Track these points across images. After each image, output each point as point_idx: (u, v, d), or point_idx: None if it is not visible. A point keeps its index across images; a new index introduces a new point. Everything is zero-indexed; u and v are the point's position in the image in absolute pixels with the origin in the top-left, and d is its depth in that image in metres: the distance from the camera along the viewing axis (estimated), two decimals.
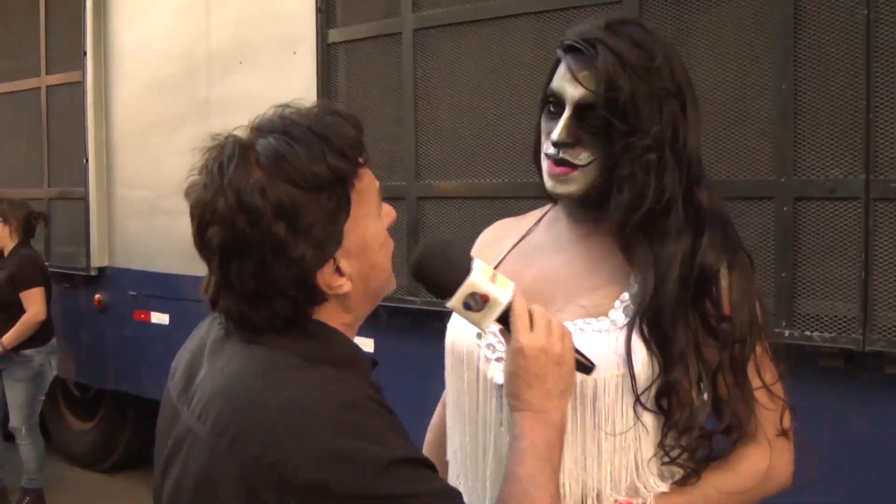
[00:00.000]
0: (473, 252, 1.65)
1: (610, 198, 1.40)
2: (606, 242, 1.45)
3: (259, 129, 1.18)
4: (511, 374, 1.28)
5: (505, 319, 1.29)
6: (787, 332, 2.53)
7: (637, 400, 1.36)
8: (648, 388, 1.36)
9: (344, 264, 1.18)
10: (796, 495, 2.61)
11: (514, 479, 1.23)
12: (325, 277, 1.17)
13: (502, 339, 1.38)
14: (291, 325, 1.18)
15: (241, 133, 1.18)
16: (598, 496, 1.39)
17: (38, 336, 5.09)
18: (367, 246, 1.21)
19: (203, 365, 1.24)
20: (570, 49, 1.41)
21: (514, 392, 1.28)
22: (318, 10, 3.83)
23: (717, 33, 2.68)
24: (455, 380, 1.53)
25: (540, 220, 1.62)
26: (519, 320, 1.27)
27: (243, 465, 1.09)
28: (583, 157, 1.39)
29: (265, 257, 1.12)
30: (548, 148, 1.42)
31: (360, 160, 1.19)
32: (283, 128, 1.16)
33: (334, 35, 3.81)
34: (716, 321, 1.39)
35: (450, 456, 1.59)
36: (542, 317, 1.28)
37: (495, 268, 1.42)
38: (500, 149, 3.24)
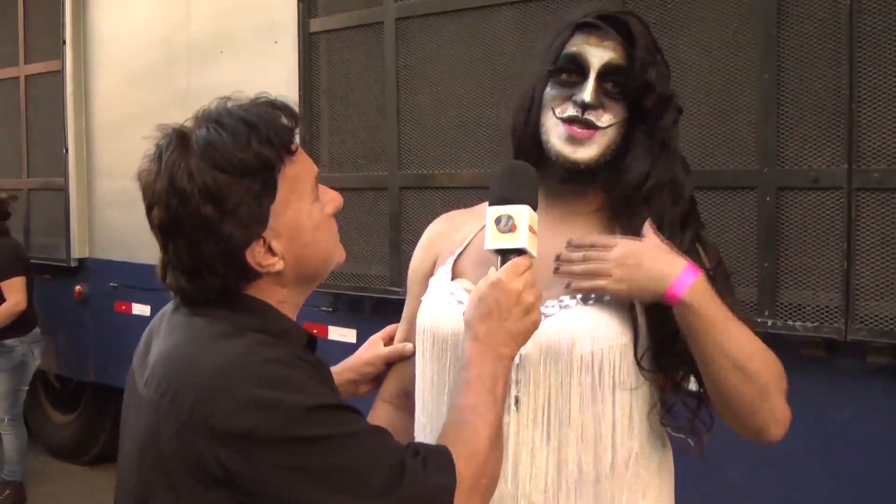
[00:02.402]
0: (425, 244, 1.70)
1: (599, 176, 1.48)
2: (581, 223, 1.51)
3: (198, 119, 1.27)
4: (479, 300, 1.33)
5: (503, 261, 1.35)
6: (769, 322, 2.53)
7: (638, 364, 1.42)
8: (647, 350, 1.44)
9: (275, 244, 1.26)
10: (779, 482, 2.63)
11: (456, 409, 1.29)
12: (256, 256, 1.25)
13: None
14: (228, 299, 1.27)
15: (189, 123, 1.28)
16: (614, 444, 1.44)
17: (20, 326, 5.07)
18: (298, 228, 1.28)
19: (156, 338, 1.34)
20: (586, 25, 1.47)
21: (473, 317, 1.33)
22: None
23: (700, 24, 2.68)
24: (437, 364, 1.53)
25: None
26: (513, 265, 1.33)
27: (180, 422, 1.18)
28: (605, 118, 1.46)
29: (196, 235, 1.22)
30: (564, 112, 1.46)
31: (292, 147, 1.27)
32: (216, 117, 1.25)
33: (316, 24, 3.79)
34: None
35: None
36: (532, 277, 1.34)
37: (460, 254, 1.56)
38: (483, 138, 3.22)
